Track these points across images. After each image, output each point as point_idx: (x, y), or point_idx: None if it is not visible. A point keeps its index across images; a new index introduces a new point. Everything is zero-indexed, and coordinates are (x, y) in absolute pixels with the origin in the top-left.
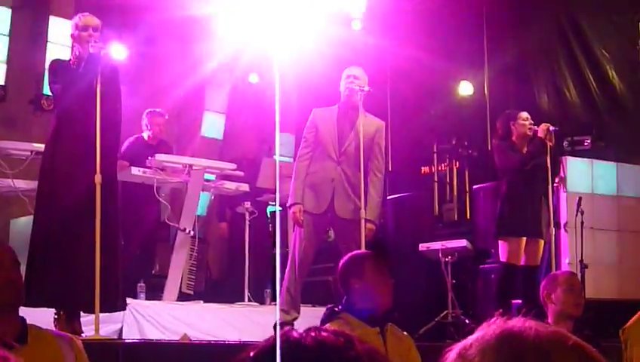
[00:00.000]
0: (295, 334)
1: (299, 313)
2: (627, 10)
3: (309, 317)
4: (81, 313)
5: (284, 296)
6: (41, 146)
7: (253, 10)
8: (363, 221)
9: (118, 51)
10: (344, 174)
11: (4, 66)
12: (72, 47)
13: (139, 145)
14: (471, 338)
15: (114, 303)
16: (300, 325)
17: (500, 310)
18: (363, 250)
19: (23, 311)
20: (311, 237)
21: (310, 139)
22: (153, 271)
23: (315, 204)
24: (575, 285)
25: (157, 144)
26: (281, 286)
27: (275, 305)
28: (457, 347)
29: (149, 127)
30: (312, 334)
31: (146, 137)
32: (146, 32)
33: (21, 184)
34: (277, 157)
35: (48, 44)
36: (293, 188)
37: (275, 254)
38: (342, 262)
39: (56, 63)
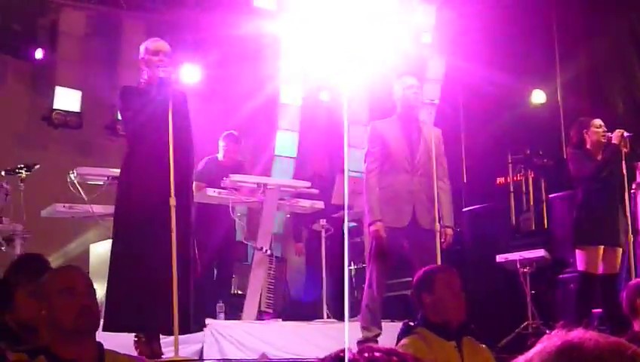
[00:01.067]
0: (350, 354)
1: (380, 329)
2: None
3: (388, 332)
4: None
5: (364, 312)
6: (117, 171)
7: (323, 27)
8: (438, 234)
9: (190, 73)
10: (420, 185)
11: (80, 93)
12: (142, 71)
13: (213, 166)
14: (533, 351)
15: (187, 325)
16: (381, 341)
17: (577, 320)
18: (439, 261)
19: (105, 334)
20: (389, 252)
21: (377, 153)
22: (232, 291)
23: (395, 218)
24: None
25: (232, 165)
26: (356, 302)
27: (355, 321)
28: (520, 360)
29: (224, 149)
30: (365, 354)
31: (220, 158)
32: (217, 53)
33: (99, 209)
34: (346, 174)
35: (121, 69)
36: (369, 204)
37: (351, 270)
38: (416, 276)
39: (126, 89)
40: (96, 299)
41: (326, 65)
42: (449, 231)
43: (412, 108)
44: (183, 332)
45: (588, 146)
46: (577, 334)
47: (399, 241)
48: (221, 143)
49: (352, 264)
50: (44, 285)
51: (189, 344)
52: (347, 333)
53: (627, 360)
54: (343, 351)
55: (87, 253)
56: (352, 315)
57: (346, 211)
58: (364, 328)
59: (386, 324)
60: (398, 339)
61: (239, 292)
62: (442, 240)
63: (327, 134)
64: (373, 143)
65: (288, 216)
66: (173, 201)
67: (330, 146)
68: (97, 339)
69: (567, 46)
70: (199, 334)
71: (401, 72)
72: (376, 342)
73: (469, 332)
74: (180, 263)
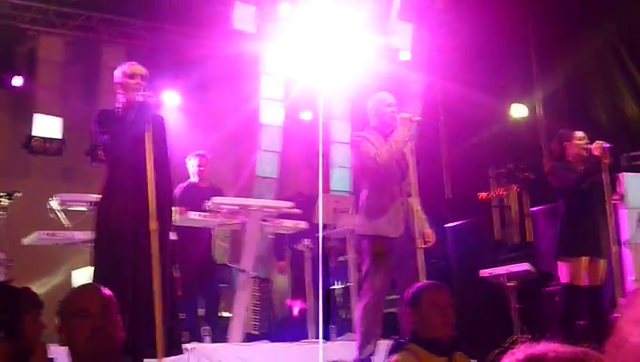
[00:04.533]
0: None
1: (375, 346)
2: None
3: (379, 349)
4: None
5: (361, 330)
6: (98, 197)
7: (302, 47)
8: (420, 251)
9: (170, 97)
10: (406, 197)
11: (60, 120)
12: (118, 95)
13: (191, 189)
14: None
15: (171, 348)
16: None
17: (563, 332)
18: (423, 277)
19: None
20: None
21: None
22: (218, 314)
23: (390, 228)
24: None
25: (208, 187)
26: (343, 321)
27: (343, 340)
28: None
29: (197, 169)
30: None
31: (196, 180)
32: (197, 75)
33: (81, 235)
34: (320, 193)
35: (101, 95)
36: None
37: (336, 289)
38: (405, 294)
39: (102, 113)
40: (114, 319)
41: (306, 86)
42: (430, 231)
43: (390, 125)
44: (167, 355)
45: (569, 158)
46: (540, 347)
47: (394, 252)
48: (192, 163)
49: (337, 283)
50: (64, 306)
51: None
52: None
53: None
54: None
55: (69, 279)
56: (339, 334)
57: (320, 232)
58: (360, 347)
59: None
60: (389, 355)
61: (225, 314)
62: (427, 241)
63: (308, 154)
64: (367, 143)
65: (271, 236)
66: (154, 226)
67: (311, 166)
68: None
69: (545, 60)
70: (185, 357)
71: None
72: (371, 360)
73: (460, 348)
74: (161, 287)
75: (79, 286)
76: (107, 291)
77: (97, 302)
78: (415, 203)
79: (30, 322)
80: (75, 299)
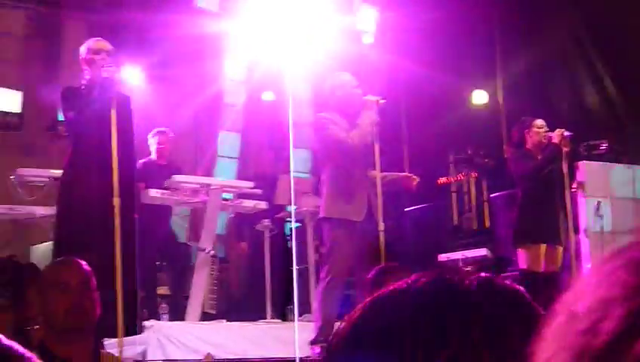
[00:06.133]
0: None
1: (333, 328)
2: None
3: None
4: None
5: (321, 312)
6: (58, 172)
7: (265, 28)
8: (381, 234)
9: (132, 75)
10: (368, 179)
11: (20, 94)
12: (83, 71)
13: (150, 167)
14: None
15: (132, 327)
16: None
17: None
18: (382, 260)
19: None
20: (349, 246)
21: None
22: (182, 293)
23: (353, 210)
24: None
25: (166, 165)
26: (302, 303)
27: (299, 321)
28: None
29: (157, 147)
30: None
31: (154, 157)
32: (159, 53)
33: (40, 210)
34: (292, 174)
35: (62, 70)
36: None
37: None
38: (369, 275)
39: (67, 90)
40: (91, 296)
41: (269, 66)
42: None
43: (354, 107)
44: (128, 334)
45: (528, 146)
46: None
47: (355, 236)
48: (152, 141)
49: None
50: (41, 279)
51: (132, 346)
52: (297, 334)
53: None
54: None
55: (27, 254)
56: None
57: (292, 210)
58: (319, 328)
59: None
60: None
61: (183, 293)
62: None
63: (270, 134)
64: (334, 125)
65: (231, 216)
66: (116, 201)
67: (273, 146)
68: None
69: (508, 46)
70: (143, 336)
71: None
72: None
73: None
74: (124, 264)
75: (60, 260)
76: (87, 267)
77: (78, 276)
78: (378, 186)
79: (32, 294)
80: (56, 273)
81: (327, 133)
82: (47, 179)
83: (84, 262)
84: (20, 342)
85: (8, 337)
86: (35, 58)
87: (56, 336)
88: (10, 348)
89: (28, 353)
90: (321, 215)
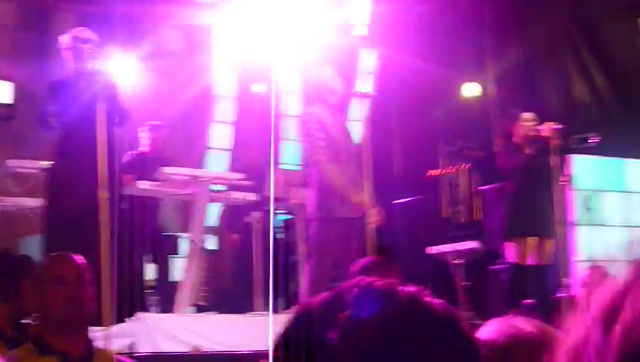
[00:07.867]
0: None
1: None
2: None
3: None
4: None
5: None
6: (48, 164)
7: (256, 18)
8: (370, 228)
9: (121, 66)
10: (352, 175)
11: (11, 85)
12: (69, 61)
13: (139, 158)
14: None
15: (119, 317)
16: None
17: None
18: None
19: None
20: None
21: (322, 141)
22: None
23: (342, 208)
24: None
25: (156, 157)
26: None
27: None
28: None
29: (149, 140)
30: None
31: (145, 150)
32: (150, 44)
33: (29, 202)
34: (272, 166)
35: (53, 61)
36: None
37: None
38: (353, 268)
39: (54, 82)
40: (87, 289)
41: (259, 57)
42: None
43: (338, 98)
44: (115, 323)
45: (517, 140)
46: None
47: (342, 233)
48: (144, 134)
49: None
50: (38, 273)
51: (120, 337)
52: (271, 327)
53: None
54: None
55: (16, 245)
56: (287, 307)
57: (271, 204)
58: None
59: None
60: None
61: (173, 285)
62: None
63: (261, 126)
64: (317, 131)
65: (224, 208)
66: (104, 194)
67: (264, 138)
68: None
69: (499, 39)
70: (131, 327)
71: (333, 65)
72: None
73: None
74: (110, 255)
75: (56, 254)
76: (83, 260)
77: (74, 270)
78: (367, 182)
79: (28, 287)
80: (52, 266)
81: (309, 141)
82: (37, 171)
83: (78, 257)
84: (16, 335)
85: (4, 329)
86: (26, 48)
87: (52, 329)
88: None
89: None
90: (310, 210)
